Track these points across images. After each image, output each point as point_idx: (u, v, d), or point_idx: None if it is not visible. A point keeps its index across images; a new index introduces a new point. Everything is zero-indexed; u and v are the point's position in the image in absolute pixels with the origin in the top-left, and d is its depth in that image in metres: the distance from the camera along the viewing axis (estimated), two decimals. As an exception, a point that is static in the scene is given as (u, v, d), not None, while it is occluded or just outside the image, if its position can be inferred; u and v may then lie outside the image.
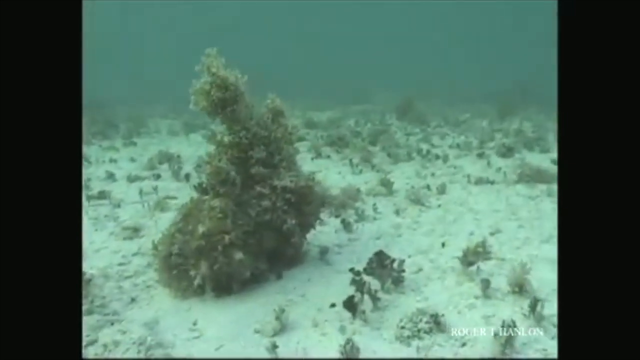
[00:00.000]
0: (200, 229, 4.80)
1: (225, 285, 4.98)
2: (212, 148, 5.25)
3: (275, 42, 44.11)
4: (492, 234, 6.48)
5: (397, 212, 7.57)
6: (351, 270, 4.76)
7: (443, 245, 6.11)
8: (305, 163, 11.28)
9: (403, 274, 5.00)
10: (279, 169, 5.32)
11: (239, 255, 4.78)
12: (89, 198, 8.20)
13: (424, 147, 12.47)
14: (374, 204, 7.86)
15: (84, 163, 11.70)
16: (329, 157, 11.85)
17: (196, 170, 10.04)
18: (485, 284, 4.74)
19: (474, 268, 5.23)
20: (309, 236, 6.27)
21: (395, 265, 4.96)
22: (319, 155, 11.94)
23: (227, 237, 4.74)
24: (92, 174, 10.61)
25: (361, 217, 7.25)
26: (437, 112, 19.17)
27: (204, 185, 5.14)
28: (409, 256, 5.83)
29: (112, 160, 12.01)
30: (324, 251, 5.90)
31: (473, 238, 6.29)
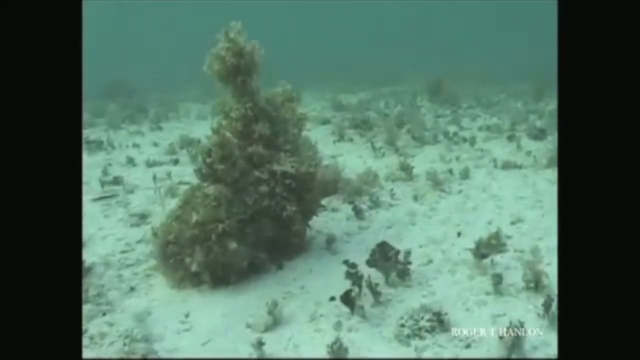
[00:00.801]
0: (194, 217, 4.59)
1: (223, 275, 4.78)
2: (219, 119, 5.06)
3: (309, 25, 43.56)
4: (512, 223, 6.04)
5: (415, 198, 7.19)
6: (345, 262, 4.46)
7: (458, 235, 5.73)
8: (327, 146, 10.98)
9: (409, 266, 4.68)
10: (280, 152, 5.04)
11: (233, 245, 4.55)
12: (103, 184, 8.14)
13: (452, 129, 11.93)
14: (392, 190, 7.51)
15: (108, 148, 11.72)
16: (351, 140, 11.48)
17: (195, 151, 9.68)
18: (497, 279, 4.36)
19: (487, 261, 4.86)
20: (317, 224, 6.03)
21: (400, 257, 4.63)
22: (341, 138, 11.59)
23: (220, 226, 4.51)
24: (114, 159, 10.60)
25: (376, 203, 6.92)
26: (470, 93, 18.37)
27: (203, 170, 4.93)
28: (420, 246, 5.49)
29: (135, 145, 11.99)
30: (330, 240, 5.62)
31: (491, 227, 5.88)
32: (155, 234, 5.11)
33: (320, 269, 5.06)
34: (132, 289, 4.99)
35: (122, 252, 5.75)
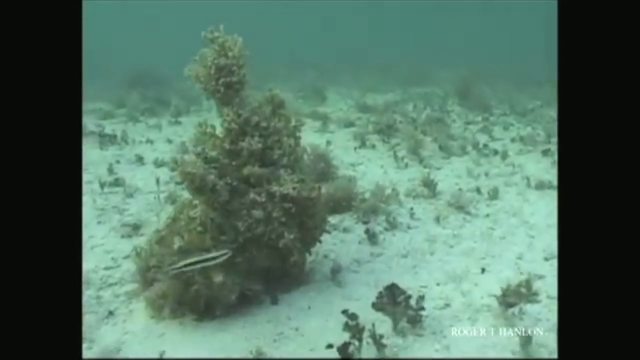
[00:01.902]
0: (177, 243, 4.02)
1: (206, 309, 4.19)
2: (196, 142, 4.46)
3: (340, 22, 42.77)
4: (546, 259, 5.29)
5: (437, 221, 6.49)
6: (344, 312, 3.81)
7: (482, 271, 5.02)
8: (347, 152, 10.35)
9: (422, 312, 4.01)
10: (278, 169, 4.43)
11: (218, 277, 3.96)
12: (103, 185, 7.66)
13: (482, 139, 11.12)
14: (411, 208, 6.82)
15: (121, 143, 11.30)
16: (374, 147, 10.79)
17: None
18: (526, 340, 3.66)
19: (515, 310, 4.15)
20: (324, 246, 5.41)
21: (412, 301, 3.97)
22: (363, 144, 10.90)
23: (204, 256, 3.92)
24: (123, 155, 10.15)
25: (392, 224, 6.25)
26: (504, 98, 17.43)
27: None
28: (437, 284, 4.80)
29: (148, 141, 11.52)
30: (337, 269, 4.98)
31: (521, 263, 5.16)
32: (138, 255, 4.58)
33: (321, 306, 4.43)
34: (110, 313, 4.47)
35: (107, 268, 5.23)
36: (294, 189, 4.32)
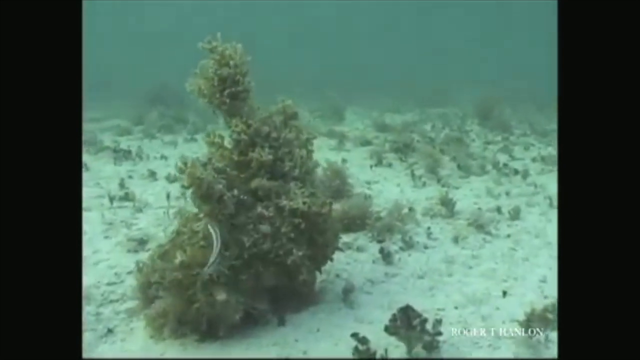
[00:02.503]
0: (179, 257, 3.80)
1: (208, 328, 3.95)
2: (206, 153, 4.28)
3: (359, 39, 42.92)
4: (573, 283, 4.96)
5: (455, 241, 6.20)
6: (354, 336, 3.54)
7: (504, 294, 4.71)
8: (364, 171, 10.13)
9: (439, 337, 3.72)
10: (288, 182, 4.21)
11: (221, 295, 3.72)
12: (112, 199, 7.53)
13: (503, 159, 10.81)
14: (429, 228, 6.54)
15: (135, 158, 11.23)
16: (390, 165, 10.55)
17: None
18: (553, 370, 3.35)
19: (541, 338, 3.83)
20: (336, 265, 5.16)
21: (428, 325, 3.69)
22: (380, 162, 10.67)
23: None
24: (136, 171, 10.05)
25: (408, 244, 5.97)
26: (523, 118, 17.10)
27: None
28: (456, 307, 4.50)
29: (163, 157, 11.44)
30: (349, 289, 4.71)
31: (545, 287, 4.83)
32: (140, 270, 4.38)
33: (330, 329, 4.15)
34: (109, 331, 4.24)
35: (109, 284, 5.03)
36: (304, 203, 4.09)
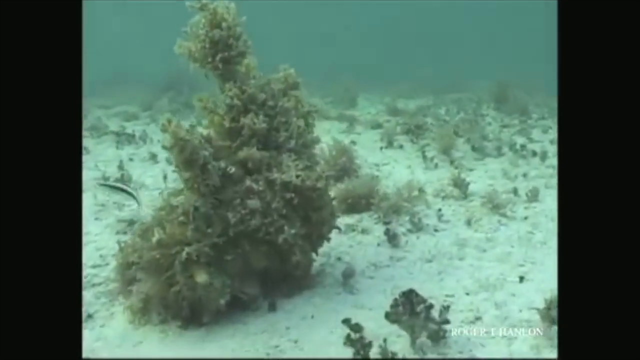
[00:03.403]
0: (156, 235, 3.43)
1: (191, 314, 3.59)
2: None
3: (371, 27, 42.17)
4: (597, 267, 4.49)
5: (467, 223, 5.75)
6: (345, 321, 3.14)
7: (521, 279, 4.26)
8: (373, 153, 9.69)
9: (447, 326, 3.30)
10: (282, 155, 3.81)
11: (202, 277, 3.34)
12: (106, 180, 7.19)
13: (520, 140, 10.27)
14: (439, 210, 6.10)
15: (139, 142, 10.91)
16: (401, 147, 10.09)
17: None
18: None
19: (562, 326, 3.39)
20: (338, 248, 4.77)
21: (433, 312, 3.27)
22: (390, 144, 10.21)
23: (185, 251, 3.32)
24: (138, 154, 9.74)
25: (417, 226, 5.54)
26: (542, 102, 16.43)
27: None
28: (467, 293, 4.07)
29: (167, 140, 11.10)
30: (349, 273, 4.30)
31: (568, 272, 4.38)
32: (121, 250, 4.02)
33: (326, 315, 3.75)
34: (89, 316, 3.90)
35: (93, 266, 4.68)
36: (297, 176, 3.69)
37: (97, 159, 9.23)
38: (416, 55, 30.87)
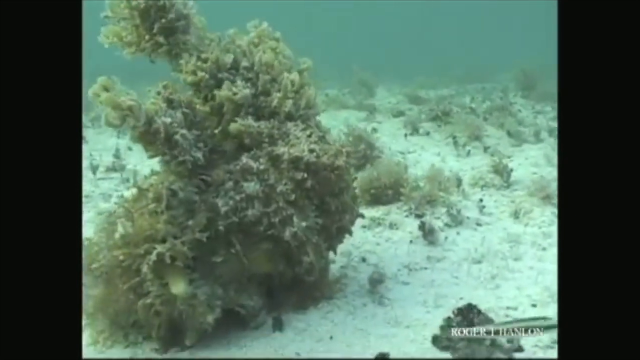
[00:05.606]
0: (120, 229, 2.54)
1: (170, 335, 2.69)
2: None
3: (395, 19, 41.21)
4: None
5: (515, 215, 4.80)
6: (381, 356, 2.21)
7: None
8: (397, 140, 8.75)
9: (517, 355, 2.37)
10: (284, 122, 2.89)
11: (179, 287, 2.44)
12: (96, 168, 6.41)
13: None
14: (480, 200, 5.14)
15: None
16: (428, 134, 9.12)
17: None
18: None
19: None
20: (363, 246, 3.87)
21: (502, 338, 2.33)
22: (415, 131, 9.26)
23: (155, 251, 2.42)
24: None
25: (456, 220, 4.60)
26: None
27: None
28: (534, 304, 3.11)
29: (171, 129, 10.30)
30: (378, 278, 3.38)
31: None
32: (86, 248, 3.15)
33: (349, 336, 2.82)
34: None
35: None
36: (311, 151, 2.76)
37: (93, 148, 8.47)
38: (434, 48, 29.96)
